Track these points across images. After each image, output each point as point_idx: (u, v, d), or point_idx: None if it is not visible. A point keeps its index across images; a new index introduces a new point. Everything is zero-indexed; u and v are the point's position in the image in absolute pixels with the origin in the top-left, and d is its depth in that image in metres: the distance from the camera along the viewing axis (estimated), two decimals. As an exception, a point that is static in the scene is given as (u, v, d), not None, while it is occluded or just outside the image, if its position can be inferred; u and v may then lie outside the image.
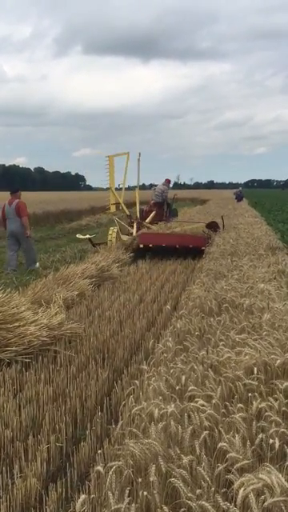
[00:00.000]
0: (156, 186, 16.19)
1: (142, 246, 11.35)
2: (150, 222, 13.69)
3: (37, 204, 26.14)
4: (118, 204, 13.55)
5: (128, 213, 13.95)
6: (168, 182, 16.08)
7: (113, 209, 13.47)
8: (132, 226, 13.19)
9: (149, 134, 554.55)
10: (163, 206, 15.28)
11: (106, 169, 13.07)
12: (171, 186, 16.66)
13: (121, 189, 13.83)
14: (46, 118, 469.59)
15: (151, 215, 14.06)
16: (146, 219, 13.82)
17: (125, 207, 13.79)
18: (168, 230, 12.53)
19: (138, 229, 12.81)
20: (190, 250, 11.11)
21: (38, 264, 9.92)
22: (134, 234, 12.44)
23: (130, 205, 15.93)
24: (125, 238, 12.14)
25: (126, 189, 14.40)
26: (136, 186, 14.60)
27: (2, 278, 8.66)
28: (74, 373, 4.48)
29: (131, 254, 10.78)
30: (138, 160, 14.02)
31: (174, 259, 11.13)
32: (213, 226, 13.48)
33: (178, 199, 20.49)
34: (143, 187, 14.84)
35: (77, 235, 12.85)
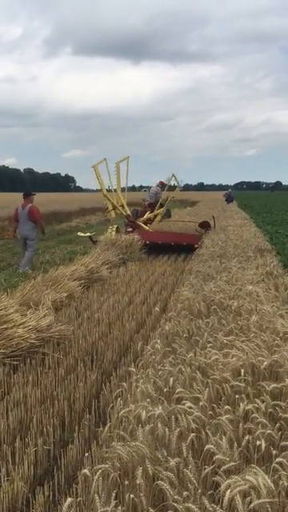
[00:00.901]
0: (146, 187, 16.78)
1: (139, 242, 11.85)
2: (145, 222, 14.31)
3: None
4: (122, 206, 14.12)
5: (128, 213, 14.45)
6: (161, 183, 16.79)
7: (113, 214, 14.02)
8: (129, 226, 13.84)
9: (139, 135, 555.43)
10: (156, 206, 15.93)
11: (115, 175, 13.76)
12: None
13: (112, 190, 14.20)
14: (36, 118, 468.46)
15: (145, 215, 14.84)
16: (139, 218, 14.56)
17: (127, 208, 14.32)
18: (160, 229, 13.55)
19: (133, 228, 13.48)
20: (184, 248, 11.75)
21: (28, 267, 9.97)
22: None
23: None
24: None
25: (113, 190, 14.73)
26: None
27: None
28: (63, 375, 4.47)
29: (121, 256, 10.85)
30: (174, 180, 15.47)
31: (163, 261, 11.22)
32: (205, 225, 14.40)
33: (171, 201, 20.95)
34: (133, 189, 15.42)
35: (78, 233, 13.58)
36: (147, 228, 13.73)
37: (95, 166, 13.15)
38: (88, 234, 12.76)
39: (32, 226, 10.08)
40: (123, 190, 14.51)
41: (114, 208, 13.74)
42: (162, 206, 16.46)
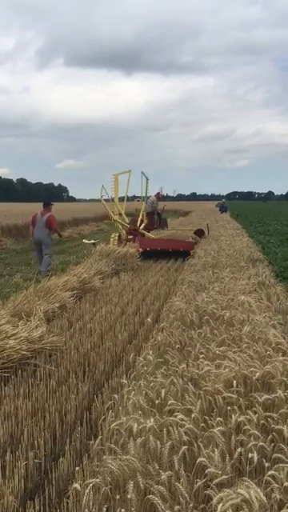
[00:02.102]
0: (139, 197, 17.86)
1: (141, 249, 12.69)
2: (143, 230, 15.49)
3: (19, 215, 25.99)
4: (119, 214, 15.01)
5: (128, 221, 15.37)
6: (158, 194, 17.98)
7: (116, 218, 14.95)
8: (130, 234, 14.67)
9: (132, 146, 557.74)
10: (154, 215, 17.18)
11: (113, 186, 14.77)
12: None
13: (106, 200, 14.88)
14: (29, 129, 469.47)
15: (144, 224, 15.73)
16: (139, 227, 15.39)
17: (125, 217, 15.32)
18: (159, 236, 15.12)
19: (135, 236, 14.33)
20: (181, 253, 13.10)
21: (47, 272, 10.69)
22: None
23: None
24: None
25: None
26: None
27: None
28: (54, 387, 4.43)
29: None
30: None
31: (156, 271, 11.24)
32: (199, 233, 16.06)
33: (165, 211, 21.89)
34: (126, 199, 15.83)
35: (83, 240, 14.86)
36: (152, 236, 14.89)
37: (116, 175, 14.14)
38: (92, 241, 13.62)
39: (47, 232, 11.11)
40: (125, 199, 15.65)
41: (120, 215, 14.66)
42: (159, 215, 17.71)
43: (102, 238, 16.69)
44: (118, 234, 14.24)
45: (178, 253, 13.26)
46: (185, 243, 14.09)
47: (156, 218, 17.63)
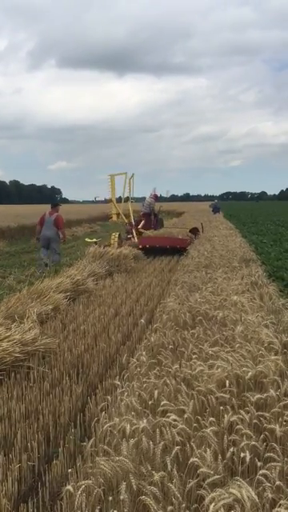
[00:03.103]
0: (133, 198, 18.25)
1: (141, 246, 14.07)
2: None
3: (12, 217, 25.92)
4: (118, 214, 15.84)
5: (127, 221, 16.29)
6: (155, 195, 18.73)
7: (114, 218, 15.91)
8: (129, 232, 15.84)
9: (125, 147, 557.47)
10: (151, 216, 17.95)
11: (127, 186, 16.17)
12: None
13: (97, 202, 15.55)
14: (21, 131, 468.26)
15: (141, 224, 16.76)
16: (137, 227, 16.44)
17: (124, 217, 16.01)
18: (157, 235, 16.12)
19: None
20: (178, 250, 14.05)
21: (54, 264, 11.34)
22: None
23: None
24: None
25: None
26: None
27: None
28: (48, 389, 4.42)
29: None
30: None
31: (149, 272, 11.26)
32: (194, 231, 17.24)
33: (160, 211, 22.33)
34: (119, 200, 16.00)
35: (86, 239, 15.71)
36: (136, 237, 15.56)
37: (112, 176, 14.92)
38: (94, 239, 14.32)
39: (55, 230, 11.79)
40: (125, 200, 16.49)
41: (118, 214, 15.50)
42: (155, 215, 18.43)
43: (104, 237, 17.46)
44: (118, 234, 14.89)
45: (175, 250, 14.22)
46: (181, 241, 15.15)
47: (153, 219, 18.23)
